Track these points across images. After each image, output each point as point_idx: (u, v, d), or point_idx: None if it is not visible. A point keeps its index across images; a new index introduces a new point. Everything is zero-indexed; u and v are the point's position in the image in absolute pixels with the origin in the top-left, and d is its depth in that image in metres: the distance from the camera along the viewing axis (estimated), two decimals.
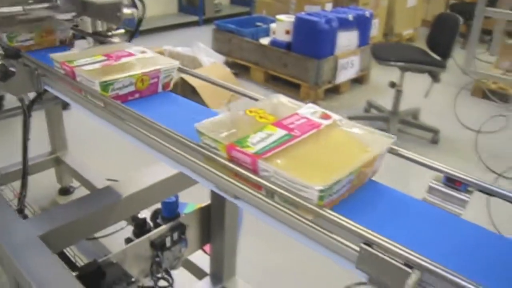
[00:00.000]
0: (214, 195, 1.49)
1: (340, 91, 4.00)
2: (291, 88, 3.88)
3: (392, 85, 3.30)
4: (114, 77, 0.98)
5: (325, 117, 0.84)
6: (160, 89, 1.09)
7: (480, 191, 0.77)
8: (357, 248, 0.60)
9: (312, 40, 3.61)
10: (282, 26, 3.83)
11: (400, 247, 0.57)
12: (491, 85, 4.22)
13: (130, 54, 1.12)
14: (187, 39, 4.69)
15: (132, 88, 1.02)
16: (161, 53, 3.57)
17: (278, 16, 3.89)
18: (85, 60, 1.06)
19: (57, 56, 1.09)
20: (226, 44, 4.28)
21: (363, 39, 3.99)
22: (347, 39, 3.80)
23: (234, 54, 4.23)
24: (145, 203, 1.39)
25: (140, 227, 1.39)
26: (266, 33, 4.09)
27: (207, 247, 1.61)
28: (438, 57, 3.14)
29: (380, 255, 0.58)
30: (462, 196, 0.76)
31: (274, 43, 3.90)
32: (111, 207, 1.31)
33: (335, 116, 0.85)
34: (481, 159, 3.15)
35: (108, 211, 1.31)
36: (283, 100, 0.92)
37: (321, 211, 0.63)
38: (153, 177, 1.40)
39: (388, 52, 3.21)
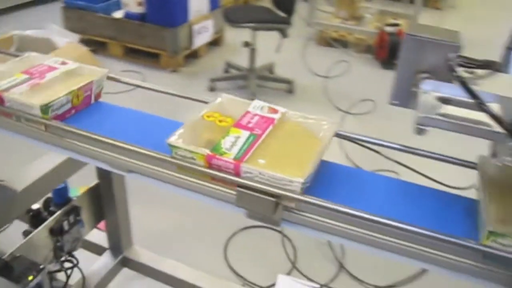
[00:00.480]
0: (100, 176, 1.60)
1: (199, 55, 4.15)
2: (150, 58, 3.93)
3: (246, 44, 3.53)
4: (52, 98, 0.95)
5: (273, 111, 0.92)
6: (93, 100, 1.08)
7: None
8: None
9: (165, 10, 3.69)
10: None
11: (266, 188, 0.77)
12: (333, 34, 4.69)
13: (52, 68, 1.07)
14: (36, 21, 4.44)
15: (69, 106, 1.00)
16: (10, 40, 3.40)
17: None
18: (7, 81, 0.99)
19: None
20: (78, 21, 4.15)
21: (214, 3, 4.16)
22: (198, 5, 3.94)
23: (89, 31, 4.13)
24: (37, 196, 1.44)
25: (35, 218, 1.47)
26: (119, 6, 4.04)
27: (102, 225, 1.73)
28: (284, 14, 3.42)
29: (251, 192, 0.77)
30: None
31: (128, 16, 3.89)
32: (2, 207, 1.34)
33: (281, 109, 0.93)
34: (331, 101, 3.57)
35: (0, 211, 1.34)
36: (228, 98, 0.97)
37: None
38: (39, 170, 1.45)
39: (239, 15, 3.42)
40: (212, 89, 3.58)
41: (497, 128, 0.64)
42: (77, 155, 0.96)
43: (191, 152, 0.80)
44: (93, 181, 1.62)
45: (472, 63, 0.80)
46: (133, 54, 4.04)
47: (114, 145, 0.88)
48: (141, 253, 1.78)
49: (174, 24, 3.72)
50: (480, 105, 0.64)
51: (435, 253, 0.72)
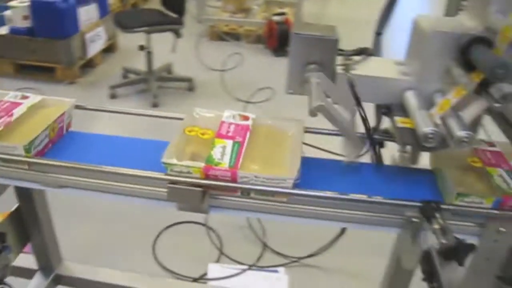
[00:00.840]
0: (21, 197, 1.60)
1: (95, 64, 4.08)
2: (46, 73, 3.80)
3: (141, 48, 3.55)
4: (32, 136, 0.95)
5: (245, 118, 1.02)
6: (64, 131, 1.09)
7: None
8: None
9: (54, 21, 3.58)
10: (18, 12, 3.66)
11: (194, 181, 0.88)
12: (224, 28, 4.83)
13: (16, 104, 1.06)
14: None
15: (47, 140, 1.00)
16: None
17: (12, 3, 3.69)
18: (218, 154, 0.94)
19: None
20: None
21: (103, 10, 4.11)
22: (88, 13, 3.88)
23: None
24: None
25: None
26: (2, 22, 3.85)
27: (27, 248, 1.73)
28: (175, 15, 3.48)
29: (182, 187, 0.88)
30: None
31: (13, 31, 3.72)
32: None
33: (251, 115, 1.03)
34: (230, 93, 3.72)
35: None
36: (200, 111, 1.04)
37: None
38: None
39: (130, 19, 3.43)
40: (113, 97, 3.57)
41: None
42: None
43: (187, 167, 0.87)
44: (13, 205, 1.62)
45: (349, 52, 0.97)
46: (26, 70, 3.87)
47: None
48: (73, 267, 1.80)
49: (66, 35, 3.64)
50: (356, 100, 0.80)
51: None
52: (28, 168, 0.97)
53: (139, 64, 3.82)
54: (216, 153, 0.89)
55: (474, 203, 0.84)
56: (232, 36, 4.81)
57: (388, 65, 0.98)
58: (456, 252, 0.79)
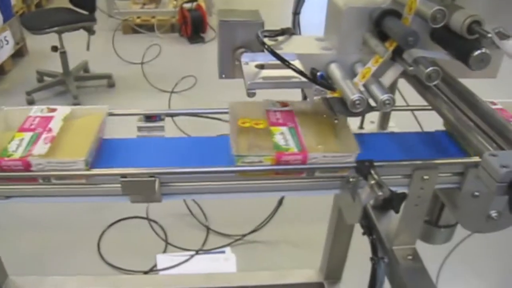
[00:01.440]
0: None
1: (6, 70, 3.86)
2: None
3: (55, 49, 3.43)
4: (85, 148, 0.92)
5: (284, 105, 1.07)
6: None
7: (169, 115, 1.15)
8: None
9: None
10: None
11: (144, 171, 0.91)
12: (137, 20, 4.75)
13: (48, 118, 1.02)
14: None
15: (94, 151, 0.97)
16: None
17: None
18: (15, 144, 0.93)
19: None
20: None
21: (7, 13, 3.88)
22: None
23: None
24: None
25: None
26: None
27: None
28: (85, 12, 3.39)
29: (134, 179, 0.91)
30: (160, 124, 1.12)
31: None
32: None
33: (289, 102, 1.07)
34: (153, 85, 3.69)
35: None
36: (239, 103, 1.07)
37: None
38: None
39: (39, 20, 3.29)
40: (31, 102, 3.43)
41: (303, 78, 0.87)
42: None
43: (259, 156, 0.89)
44: None
45: (273, 33, 1.03)
46: None
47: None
48: (20, 281, 1.76)
49: None
50: (287, 65, 0.87)
51: None
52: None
53: (54, 65, 3.68)
54: (280, 140, 0.94)
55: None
56: (146, 27, 4.74)
57: (310, 42, 1.05)
58: (392, 202, 0.89)
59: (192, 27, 4.60)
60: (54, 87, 3.61)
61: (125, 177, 0.90)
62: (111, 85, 3.74)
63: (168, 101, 3.39)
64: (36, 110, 1.05)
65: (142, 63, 3.94)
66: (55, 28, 3.23)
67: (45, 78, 3.74)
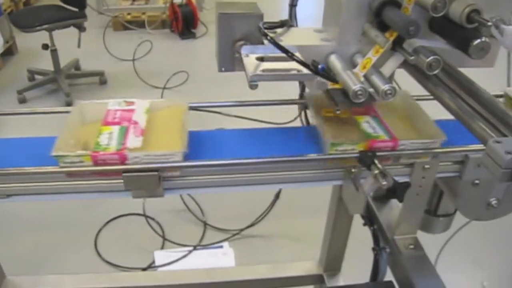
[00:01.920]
0: None
1: None
2: None
3: (45, 47, 3.40)
4: (180, 141, 0.92)
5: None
6: None
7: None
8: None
9: None
10: None
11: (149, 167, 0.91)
12: (127, 17, 4.72)
13: (129, 111, 1.00)
14: None
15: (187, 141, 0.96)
16: None
17: None
18: (105, 138, 0.92)
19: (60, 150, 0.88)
20: None
21: None
22: None
23: None
24: None
25: None
26: None
27: None
28: (75, 9, 3.36)
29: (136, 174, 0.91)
30: None
31: None
32: None
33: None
34: (145, 81, 3.68)
35: None
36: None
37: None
38: None
39: (29, 18, 3.26)
40: (22, 101, 3.40)
41: (305, 70, 0.87)
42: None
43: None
44: None
45: (272, 25, 1.03)
46: None
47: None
48: (18, 281, 1.75)
49: None
50: (290, 57, 0.87)
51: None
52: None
53: (45, 64, 3.65)
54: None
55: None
56: (136, 24, 4.72)
57: (309, 33, 1.05)
58: (395, 191, 0.89)
59: (183, 23, 4.58)
60: (45, 85, 3.59)
61: (128, 171, 0.90)
62: (103, 82, 3.72)
63: (160, 97, 3.38)
64: (114, 104, 1.04)
65: (133, 60, 3.92)
66: (46, 26, 3.20)
67: (36, 76, 3.71)
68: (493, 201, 1.04)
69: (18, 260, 2.09)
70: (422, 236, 1.17)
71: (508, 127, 0.77)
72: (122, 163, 0.89)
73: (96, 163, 0.89)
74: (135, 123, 0.97)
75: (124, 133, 0.94)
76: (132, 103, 1.04)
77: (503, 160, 0.63)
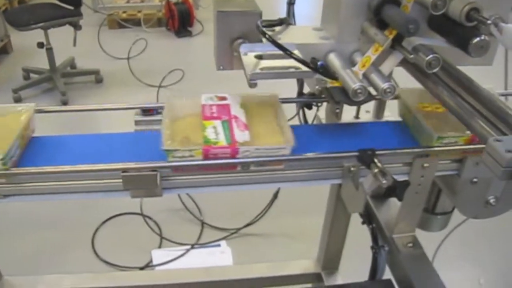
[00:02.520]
0: None
1: None
2: None
3: (41, 45, 3.39)
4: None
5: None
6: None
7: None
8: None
9: None
10: None
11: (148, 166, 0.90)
12: (123, 15, 4.70)
13: (227, 106, 1.00)
14: None
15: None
16: None
17: None
18: (211, 131, 0.91)
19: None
20: None
21: None
22: None
23: None
24: None
25: None
26: None
27: None
28: (70, 7, 3.35)
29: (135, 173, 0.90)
30: (157, 117, 1.10)
31: None
32: None
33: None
34: (141, 80, 3.66)
35: None
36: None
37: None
38: None
39: (24, 16, 3.24)
40: (18, 100, 3.38)
41: (304, 68, 0.87)
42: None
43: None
44: None
45: (271, 23, 1.03)
46: None
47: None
48: (15, 282, 1.74)
49: None
50: (289, 55, 0.86)
51: None
52: (6, 182, 0.90)
53: (40, 62, 3.63)
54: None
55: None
56: (132, 22, 4.70)
57: (308, 31, 1.05)
58: (395, 190, 0.89)
59: (179, 21, 4.57)
60: (41, 84, 3.56)
61: (126, 171, 0.89)
62: (99, 80, 3.71)
63: (156, 95, 3.37)
64: (206, 99, 1.03)
65: (128, 58, 3.90)
66: (41, 24, 3.18)
67: (32, 75, 3.69)
68: (491, 199, 1.05)
69: (15, 260, 2.08)
70: (419, 233, 1.17)
71: (508, 126, 0.77)
72: (233, 157, 0.88)
73: (206, 157, 0.88)
74: (235, 117, 0.96)
75: (228, 127, 0.93)
76: (224, 97, 1.02)
77: (504, 159, 0.63)
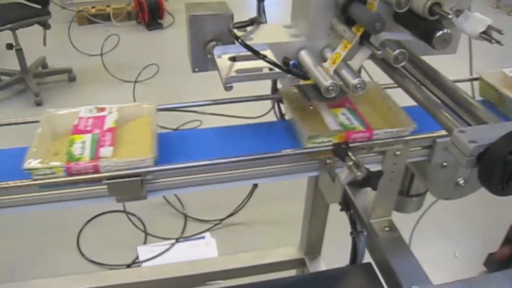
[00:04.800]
0: None
1: None
2: None
3: (10, 46, 3.33)
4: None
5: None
6: None
7: None
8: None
9: None
10: None
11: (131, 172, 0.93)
12: (91, 10, 4.64)
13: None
14: None
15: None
16: None
17: None
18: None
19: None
20: None
21: None
22: None
23: None
24: None
25: None
26: None
27: None
28: (38, 6, 3.29)
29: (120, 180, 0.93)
30: None
31: None
32: None
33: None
34: (115, 76, 3.64)
35: None
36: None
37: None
38: None
39: None
40: None
41: (277, 69, 0.90)
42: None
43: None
44: None
45: (242, 24, 1.05)
46: None
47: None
48: None
49: None
50: (261, 58, 0.89)
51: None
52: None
53: (10, 64, 3.56)
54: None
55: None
56: (102, 17, 4.65)
57: (279, 30, 1.07)
58: (369, 180, 0.94)
59: (149, 14, 4.53)
60: (12, 86, 3.50)
61: (111, 179, 0.92)
62: (72, 79, 3.67)
63: (132, 91, 3.36)
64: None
65: (101, 54, 3.87)
66: (9, 26, 3.12)
67: (2, 77, 3.61)
68: (461, 181, 1.10)
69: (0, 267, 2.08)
70: (397, 214, 1.22)
71: (471, 116, 0.82)
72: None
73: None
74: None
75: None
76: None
77: (468, 149, 0.68)
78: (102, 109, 1.05)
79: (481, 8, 4.73)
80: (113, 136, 0.97)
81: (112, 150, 0.93)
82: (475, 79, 1.25)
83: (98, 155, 0.91)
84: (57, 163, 0.89)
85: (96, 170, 0.90)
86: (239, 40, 0.90)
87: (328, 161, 0.97)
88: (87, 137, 0.96)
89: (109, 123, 1.01)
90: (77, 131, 0.98)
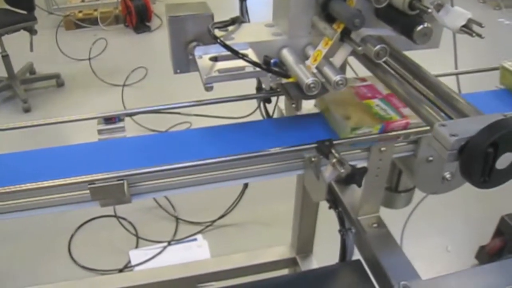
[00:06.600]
0: None
1: None
2: None
3: None
4: None
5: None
6: None
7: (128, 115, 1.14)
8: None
9: None
10: None
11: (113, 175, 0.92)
12: (78, 15, 4.62)
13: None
14: None
15: None
16: None
17: None
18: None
19: None
20: None
21: None
22: None
23: None
24: None
25: None
26: None
27: None
28: (23, 11, 3.27)
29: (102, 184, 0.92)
30: (119, 124, 1.12)
31: None
32: None
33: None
34: (103, 80, 3.62)
35: None
36: None
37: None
38: None
39: None
40: None
41: (257, 68, 0.90)
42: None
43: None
44: None
45: (224, 24, 1.04)
46: None
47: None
48: None
49: None
50: (241, 58, 0.89)
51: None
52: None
53: None
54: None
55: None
56: (89, 21, 4.62)
57: (260, 28, 1.07)
58: (354, 177, 0.93)
59: (137, 17, 4.52)
60: (0, 93, 3.49)
61: (93, 183, 0.91)
62: (61, 84, 3.65)
63: (121, 95, 3.34)
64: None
65: (89, 59, 3.85)
66: None
67: None
68: (447, 175, 1.10)
69: None
70: (388, 210, 1.22)
71: (454, 109, 0.81)
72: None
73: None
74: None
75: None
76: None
77: (448, 143, 0.67)
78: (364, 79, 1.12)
79: (467, 3, 4.76)
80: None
81: None
82: (495, 68, 1.25)
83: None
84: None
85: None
86: (218, 40, 0.89)
87: (313, 159, 0.96)
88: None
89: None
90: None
